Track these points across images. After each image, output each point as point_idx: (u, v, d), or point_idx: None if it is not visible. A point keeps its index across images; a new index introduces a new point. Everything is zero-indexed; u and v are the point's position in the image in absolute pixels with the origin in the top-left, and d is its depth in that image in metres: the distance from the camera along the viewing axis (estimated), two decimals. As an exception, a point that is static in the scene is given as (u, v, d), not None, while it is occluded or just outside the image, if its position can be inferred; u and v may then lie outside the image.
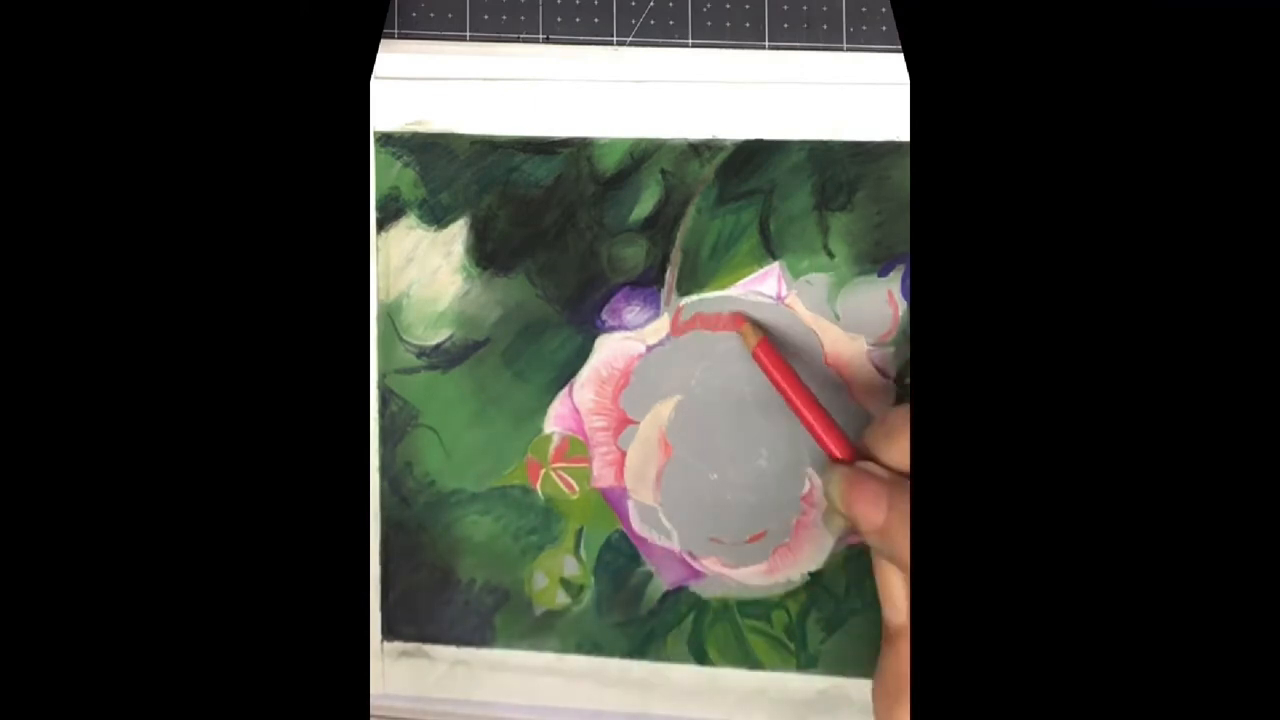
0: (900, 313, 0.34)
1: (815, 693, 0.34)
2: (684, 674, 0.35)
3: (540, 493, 0.35)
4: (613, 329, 0.34)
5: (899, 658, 0.28)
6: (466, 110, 0.34)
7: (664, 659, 0.35)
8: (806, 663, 0.34)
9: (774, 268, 0.34)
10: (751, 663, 0.34)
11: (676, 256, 0.34)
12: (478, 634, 0.35)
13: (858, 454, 0.30)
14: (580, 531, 0.35)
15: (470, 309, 0.35)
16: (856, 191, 0.34)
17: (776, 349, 0.32)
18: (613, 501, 0.35)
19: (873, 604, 0.31)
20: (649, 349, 0.34)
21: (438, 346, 0.35)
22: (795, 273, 0.34)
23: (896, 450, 0.29)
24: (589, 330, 0.34)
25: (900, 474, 0.29)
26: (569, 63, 0.34)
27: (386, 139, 0.35)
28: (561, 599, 0.35)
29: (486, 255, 0.35)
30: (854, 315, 0.34)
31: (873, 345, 0.34)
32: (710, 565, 0.34)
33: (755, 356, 0.32)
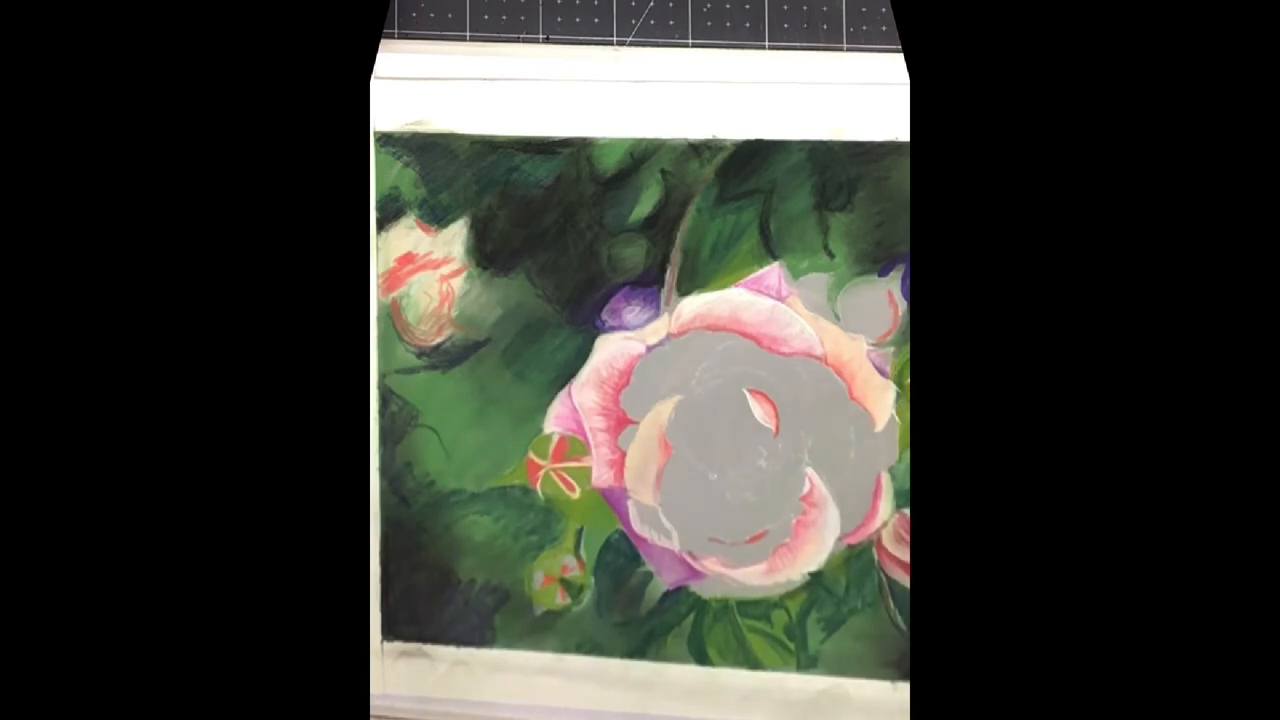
0: (900, 313, 0.34)
1: (815, 693, 0.34)
2: (684, 674, 0.35)
3: (540, 493, 0.35)
4: (613, 329, 0.34)
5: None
6: (466, 110, 0.34)
7: (664, 659, 0.35)
8: (806, 663, 0.34)
9: (774, 268, 0.34)
10: (751, 663, 0.34)
11: (676, 256, 0.34)
12: (478, 634, 0.35)
13: None
14: (580, 531, 0.35)
15: (470, 309, 0.35)
16: (856, 191, 0.34)
17: None
18: (613, 501, 0.35)
19: (873, 604, 0.31)
20: (649, 349, 0.34)
21: (438, 346, 0.35)
22: (795, 273, 0.34)
23: None
24: (589, 330, 0.34)
25: None
26: (569, 63, 0.34)
27: (386, 139, 0.35)
28: (561, 599, 0.35)
29: (486, 255, 0.35)
30: (854, 315, 0.34)
31: (873, 345, 0.34)
32: (710, 565, 0.34)
33: None
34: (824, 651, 0.34)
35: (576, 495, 0.35)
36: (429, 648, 0.35)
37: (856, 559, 0.34)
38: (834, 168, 0.34)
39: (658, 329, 0.34)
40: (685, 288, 0.34)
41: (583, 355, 0.34)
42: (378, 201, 0.35)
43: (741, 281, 0.34)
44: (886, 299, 0.34)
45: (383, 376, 0.35)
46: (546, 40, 0.35)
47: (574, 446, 0.35)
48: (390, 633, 0.35)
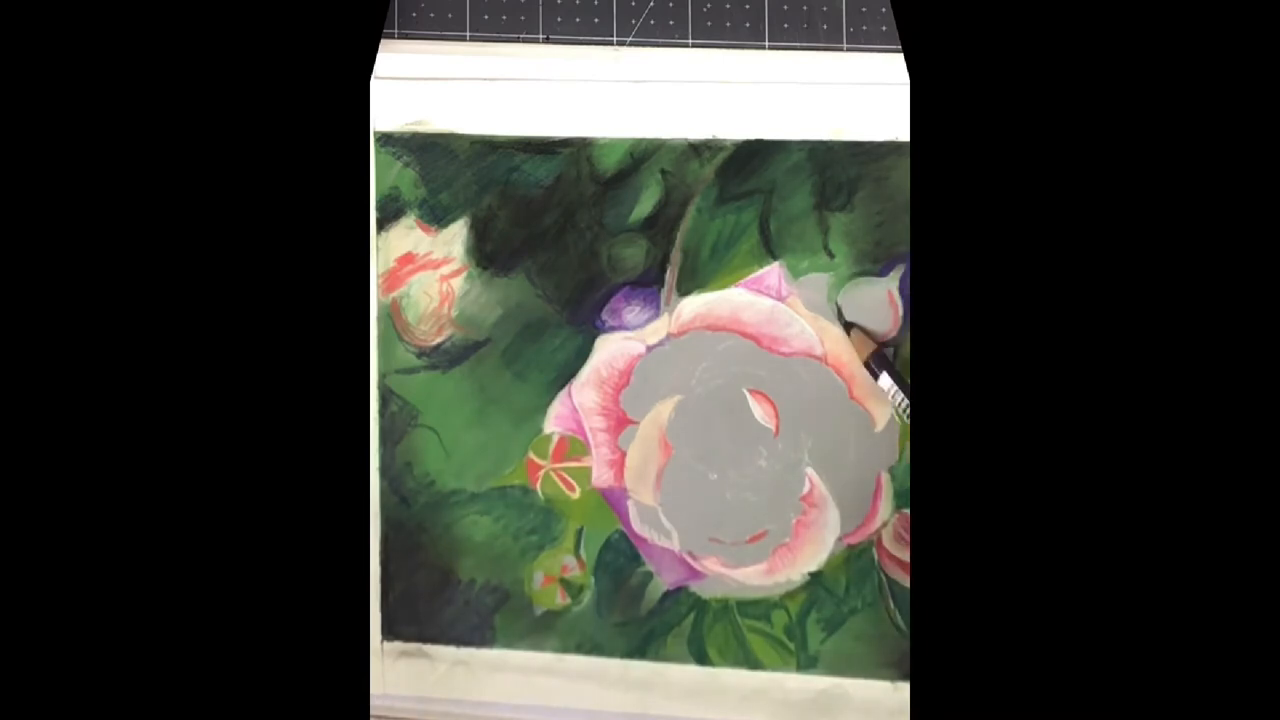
0: (900, 313, 0.34)
1: (815, 693, 0.34)
2: (684, 674, 0.35)
3: (540, 493, 0.35)
4: (613, 329, 0.34)
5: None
6: (466, 110, 0.34)
7: (664, 659, 0.35)
8: (806, 663, 0.34)
9: (774, 268, 0.34)
10: (751, 663, 0.34)
11: (676, 256, 0.34)
12: (478, 634, 0.35)
13: None
14: (580, 531, 0.35)
15: (470, 309, 0.35)
16: (856, 191, 0.34)
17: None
18: (613, 501, 0.35)
19: (873, 604, 0.31)
20: (649, 349, 0.34)
21: (438, 346, 0.35)
22: (795, 273, 0.34)
23: None
24: (589, 330, 0.34)
25: None
26: (569, 63, 0.34)
27: (386, 139, 0.35)
28: (561, 599, 0.35)
29: (486, 255, 0.35)
30: (854, 315, 0.34)
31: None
32: (710, 565, 0.34)
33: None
34: (824, 651, 0.34)
35: (576, 495, 0.35)
36: (429, 648, 0.35)
37: (856, 559, 0.34)
38: (834, 168, 0.34)
39: (658, 329, 0.34)
40: (685, 288, 0.34)
41: (583, 355, 0.34)
42: (378, 201, 0.35)
43: (741, 281, 0.34)
44: (886, 299, 0.34)
45: (383, 376, 0.35)
46: (546, 40, 0.35)
47: (574, 446, 0.35)
48: (390, 633, 0.35)
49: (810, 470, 0.34)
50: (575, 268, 0.34)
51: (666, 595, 0.35)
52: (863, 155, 0.34)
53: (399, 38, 0.35)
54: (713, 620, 0.34)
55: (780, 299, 0.34)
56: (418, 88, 0.34)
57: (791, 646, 0.34)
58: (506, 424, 0.35)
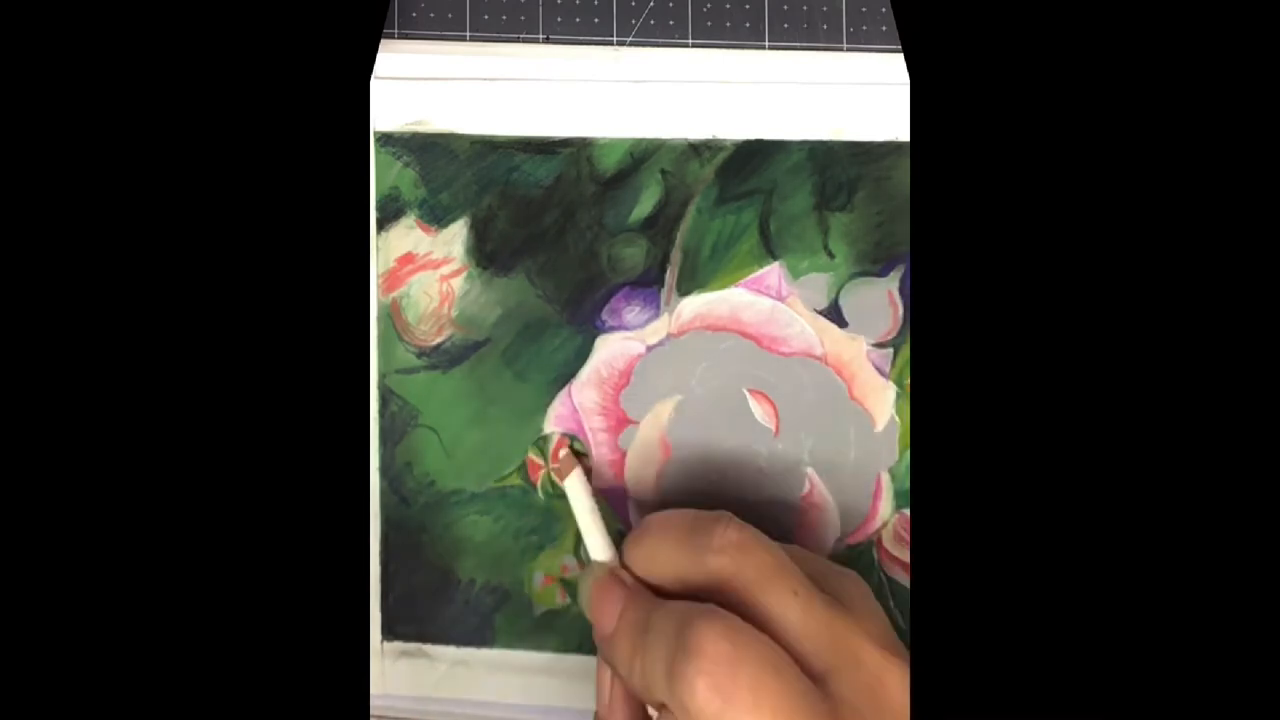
0: (900, 313, 0.34)
1: (815, 693, 0.34)
2: (684, 674, 0.34)
3: (540, 493, 0.35)
4: (613, 329, 0.34)
5: None
6: (466, 110, 0.34)
7: (664, 659, 0.34)
8: (806, 663, 0.34)
9: (774, 268, 0.34)
10: (751, 663, 0.34)
11: (676, 256, 0.34)
12: (478, 634, 0.35)
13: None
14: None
15: (470, 309, 0.35)
16: (856, 191, 0.34)
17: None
18: (613, 501, 0.35)
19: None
20: (649, 349, 0.34)
21: (438, 346, 0.35)
22: (795, 273, 0.34)
23: (639, 556, 0.29)
24: (589, 330, 0.34)
25: (644, 583, 0.29)
26: (569, 63, 0.34)
27: (386, 139, 0.35)
28: (561, 599, 0.35)
29: (486, 255, 0.35)
30: (854, 315, 0.34)
31: (873, 345, 0.34)
32: (710, 565, 0.34)
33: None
34: (824, 651, 0.34)
35: (576, 495, 0.35)
36: (429, 648, 0.35)
37: (856, 559, 0.34)
38: (834, 168, 0.34)
39: (658, 329, 0.34)
40: (685, 288, 0.34)
41: (583, 355, 0.34)
42: (378, 201, 0.35)
43: (741, 281, 0.34)
44: (886, 299, 0.34)
45: (383, 376, 0.35)
46: (546, 40, 0.35)
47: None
48: (390, 633, 0.35)
49: (810, 470, 0.34)
50: (575, 268, 0.34)
51: (666, 595, 0.35)
52: (863, 155, 0.34)
53: (399, 38, 0.35)
54: (713, 620, 0.34)
55: (780, 299, 0.34)
56: (418, 88, 0.34)
57: (791, 646, 0.34)
58: (506, 424, 0.35)
